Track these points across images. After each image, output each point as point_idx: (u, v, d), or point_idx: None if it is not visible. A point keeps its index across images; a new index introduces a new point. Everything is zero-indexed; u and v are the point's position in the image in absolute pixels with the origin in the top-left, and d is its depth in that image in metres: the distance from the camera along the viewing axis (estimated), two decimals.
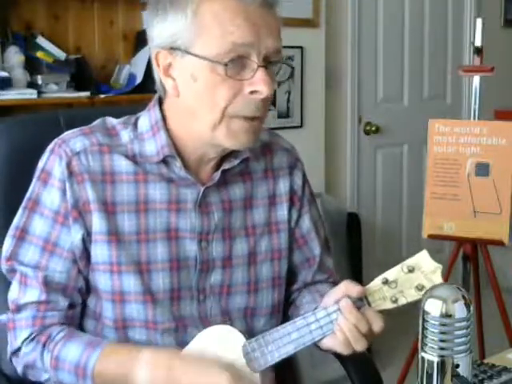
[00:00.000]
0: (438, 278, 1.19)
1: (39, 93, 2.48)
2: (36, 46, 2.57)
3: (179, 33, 1.18)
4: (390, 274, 1.21)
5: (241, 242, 1.33)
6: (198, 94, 1.20)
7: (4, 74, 2.41)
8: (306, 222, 1.42)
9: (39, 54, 2.55)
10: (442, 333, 1.00)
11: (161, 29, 1.21)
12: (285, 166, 1.40)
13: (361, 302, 1.21)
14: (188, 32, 1.18)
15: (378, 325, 1.21)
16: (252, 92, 1.18)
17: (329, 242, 1.49)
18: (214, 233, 1.30)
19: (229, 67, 1.16)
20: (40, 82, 2.51)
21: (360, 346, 1.20)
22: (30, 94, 2.45)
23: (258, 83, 1.17)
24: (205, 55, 1.17)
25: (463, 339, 1.00)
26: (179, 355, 1.20)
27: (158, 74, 1.25)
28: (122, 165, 1.26)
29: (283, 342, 1.20)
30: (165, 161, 1.26)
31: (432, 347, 1.01)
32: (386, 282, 1.21)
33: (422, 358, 1.03)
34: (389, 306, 1.21)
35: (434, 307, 1.00)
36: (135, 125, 1.30)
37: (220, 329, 1.24)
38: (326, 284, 1.42)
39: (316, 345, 1.25)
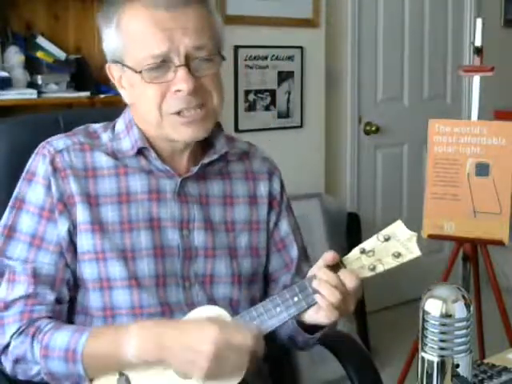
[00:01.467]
0: (413, 245, 1.24)
1: (39, 93, 2.48)
2: (36, 46, 2.57)
3: (114, 47, 1.31)
4: (367, 243, 1.26)
5: (222, 236, 1.37)
6: (137, 99, 1.31)
7: (4, 74, 2.41)
8: (285, 226, 1.46)
9: (39, 54, 2.55)
10: (442, 333, 1.00)
11: (105, 45, 1.33)
12: (264, 171, 1.46)
13: None
14: (118, 45, 1.30)
15: (350, 281, 1.22)
16: (176, 91, 1.26)
17: (306, 250, 1.52)
18: (195, 222, 1.34)
19: (150, 74, 1.25)
20: (40, 82, 2.51)
21: (334, 298, 1.21)
22: (30, 94, 2.46)
23: (179, 82, 1.25)
24: (131, 66, 1.28)
25: (463, 339, 1.01)
26: (165, 322, 1.24)
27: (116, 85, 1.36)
28: (103, 160, 1.33)
29: (268, 315, 1.23)
30: (142, 154, 1.33)
31: (432, 347, 1.01)
32: (363, 251, 1.25)
33: (422, 357, 1.03)
34: (367, 274, 1.25)
35: (434, 307, 1.00)
36: (113, 128, 1.38)
37: (207, 308, 1.27)
38: None
39: (302, 322, 1.28)
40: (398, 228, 1.26)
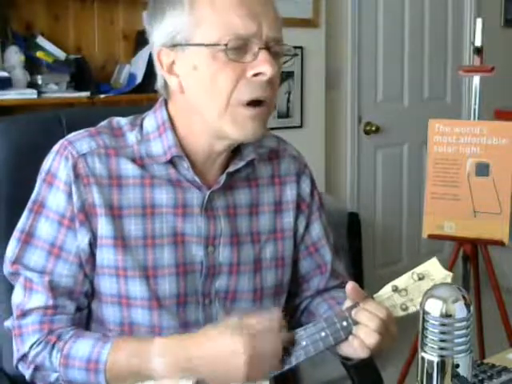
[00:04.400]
0: None
1: (39, 93, 2.48)
2: (36, 46, 2.58)
3: (178, 27, 1.20)
4: (400, 281, 1.21)
5: (247, 249, 1.32)
6: (201, 83, 1.20)
7: (4, 73, 2.42)
8: (317, 229, 1.41)
9: (39, 54, 2.55)
10: (442, 333, 1.00)
11: (161, 27, 1.22)
12: (292, 173, 1.39)
13: None
14: (187, 25, 1.19)
15: (381, 311, 1.19)
16: (255, 74, 1.18)
17: (337, 246, 1.48)
18: (221, 237, 1.29)
19: (230, 51, 1.16)
20: (40, 81, 2.51)
21: (374, 324, 1.18)
22: (30, 94, 2.46)
23: (261, 64, 1.17)
24: (205, 43, 1.17)
25: (463, 339, 1.00)
26: (191, 335, 1.19)
27: (161, 73, 1.25)
28: (129, 168, 1.25)
29: (294, 349, 1.19)
30: (172, 161, 1.26)
31: (432, 347, 1.01)
32: (395, 289, 1.21)
33: (422, 358, 1.03)
34: (399, 313, 1.22)
35: (434, 307, 1.00)
36: (141, 126, 1.30)
37: None
38: (339, 290, 1.40)
39: (330, 350, 1.25)
40: (432, 266, 1.21)
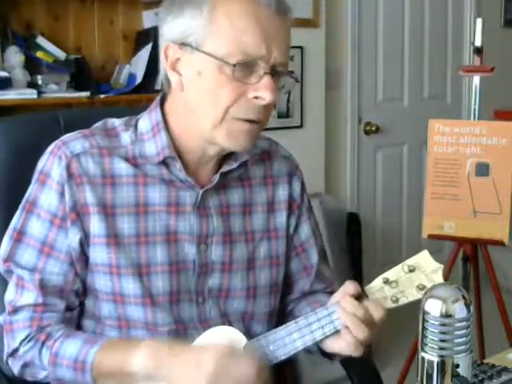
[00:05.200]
0: (439, 278, 1.20)
1: (39, 93, 2.48)
2: (36, 46, 2.58)
3: (192, 29, 1.20)
4: (391, 273, 1.22)
5: (240, 248, 1.33)
6: (202, 91, 1.22)
7: (4, 73, 2.42)
8: (305, 230, 1.42)
9: (39, 54, 2.55)
10: (442, 333, 1.00)
11: (174, 23, 1.23)
12: (284, 174, 1.41)
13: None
14: (201, 29, 1.19)
15: (378, 313, 1.19)
16: (255, 97, 1.20)
17: (325, 251, 1.49)
18: (214, 236, 1.30)
19: (236, 69, 1.18)
20: (40, 82, 2.51)
21: (362, 333, 1.18)
22: (30, 94, 2.45)
23: (263, 89, 1.19)
24: (215, 54, 1.18)
25: (463, 339, 1.00)
26: (170, 345, 1.19)
27: (164, 67, 1.26)
28: (122, 167, 1.26)
29: (285, 341, 1.20)
30: (165, 162, 1.27)
31: (432, 347, 1.01)
32: (386, 281, 1.21)
33: (422, 358, 1.03)
34: (390, 305, 1.22)
35: (434, 307, 1.00)
36: (135, 126, 1.31)
37: (221, 329, 1.24)
38: (324, 294, 1.41)
39: (321, 350, 1.26)
40: (423, 259, 1.21)
